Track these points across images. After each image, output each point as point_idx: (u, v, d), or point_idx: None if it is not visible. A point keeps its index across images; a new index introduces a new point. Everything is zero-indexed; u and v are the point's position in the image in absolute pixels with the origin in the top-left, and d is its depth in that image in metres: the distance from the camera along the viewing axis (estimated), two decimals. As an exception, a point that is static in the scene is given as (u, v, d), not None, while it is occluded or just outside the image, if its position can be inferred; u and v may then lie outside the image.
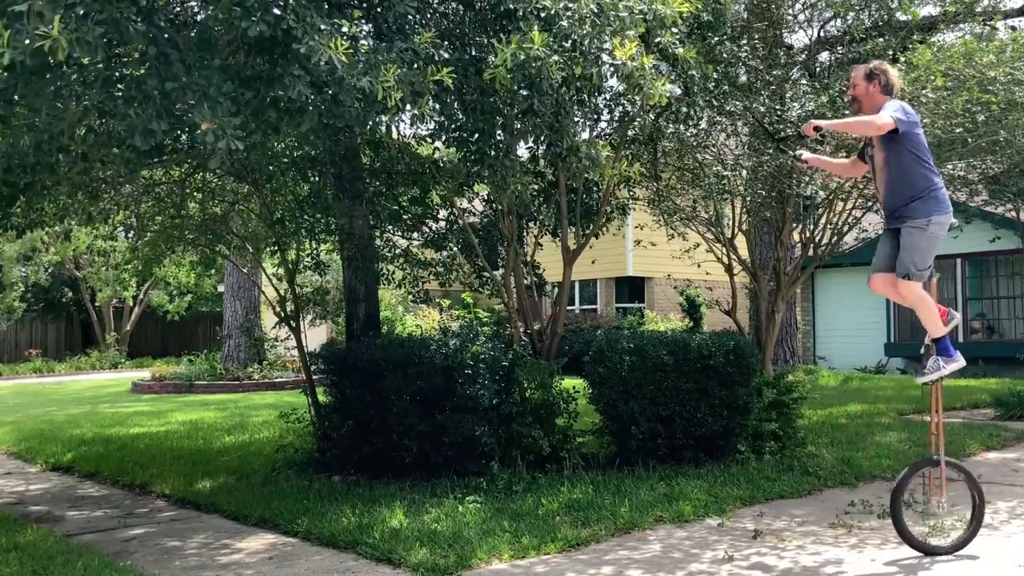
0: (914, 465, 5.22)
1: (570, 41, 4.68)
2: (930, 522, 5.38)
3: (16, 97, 4.24)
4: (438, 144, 7.22)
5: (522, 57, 4.40)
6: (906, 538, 4.98)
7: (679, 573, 4.77)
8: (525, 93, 5.10)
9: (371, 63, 4.18)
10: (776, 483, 6.72)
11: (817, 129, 4.62)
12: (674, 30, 5.24)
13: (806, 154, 5.19)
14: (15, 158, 4.55)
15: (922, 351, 5.10)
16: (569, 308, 21.99)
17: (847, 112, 7.55)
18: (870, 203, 8.81)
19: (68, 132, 4.38)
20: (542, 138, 5.54)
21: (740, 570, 4.83)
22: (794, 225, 9.61)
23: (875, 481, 6.99)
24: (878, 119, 4.59)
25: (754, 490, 6.50)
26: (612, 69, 4.83)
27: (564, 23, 4.63)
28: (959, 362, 4.91)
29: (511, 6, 4.79)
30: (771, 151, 7.96)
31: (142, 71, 4.09)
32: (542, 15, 4.67)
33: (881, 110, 4.68)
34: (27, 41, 3.40)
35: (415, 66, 4.45)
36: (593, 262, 13.49)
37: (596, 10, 4.69)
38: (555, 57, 4.52)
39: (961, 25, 9.16)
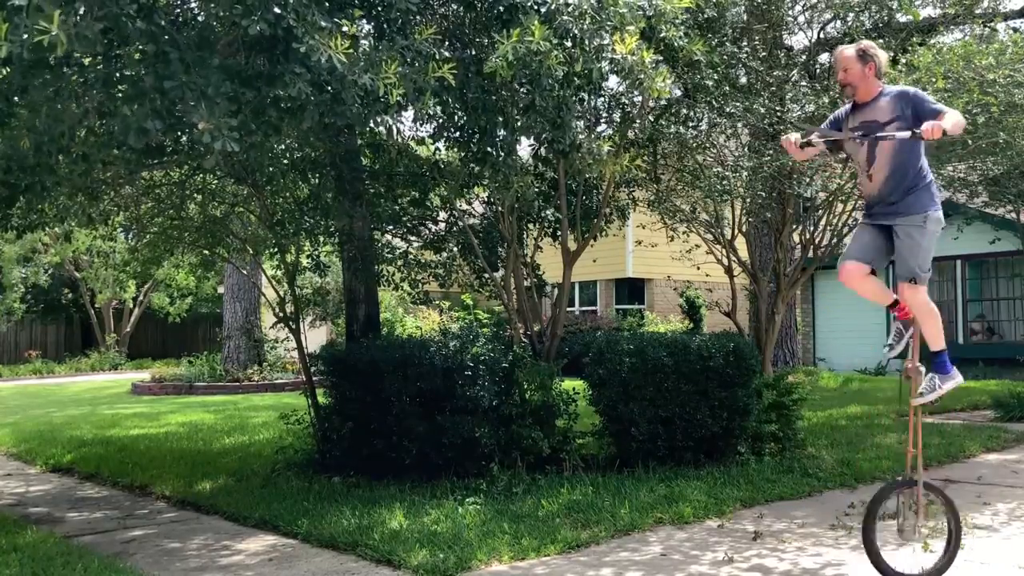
0: (888, 485, 4.69)
1: (570, 37, 4.67)
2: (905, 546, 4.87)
3: (16, 98, 4.24)
4: (439, 145, 7.21)
5: (523, 50, 4.38)
6: (877, 564, 4.47)
7: (679, 575, 4.77)
8: (527, 89, 5.08)
9: (372, 61, 4.18)
10: (776, 484, 6.71)
11: (944, 133, 4.13)
12: (677, 23, 5.23)
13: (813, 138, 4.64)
14: (15, 159, 4.55)
15: (889, 344, 4.73)
16: (569, 309, 21.99)
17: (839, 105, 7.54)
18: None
19: (68, 133, 4.38)
20: (544, 135, 5.50)
21: (740, 572, 4.82)
22: (794, 226, 9.61)
23: (875, 483, 6.97)
24: (961, 117, 4.25)
25: (754, 491, 6.50)
26: (612, 64, 4.81)
27: (565, 18, 4.62)
28: (957, 379, 4.56)
29: (512, 1, 4.78)
30: (771, 152, 7.97)
31: (140, 71, 4.08)
32: (542, 10, 4.67)
33: (925, 100, 4.32)
34: (25, 36, 3.39)
35: (416, 64, 4.45)
36: (594, 261, 13.48)
37: (596, 5, 4.68)
38: (556, 52, 4.50)
39: (961, 27, 9.17)
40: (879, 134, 4.43)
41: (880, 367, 18.09)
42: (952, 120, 4.20)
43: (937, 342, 4.55)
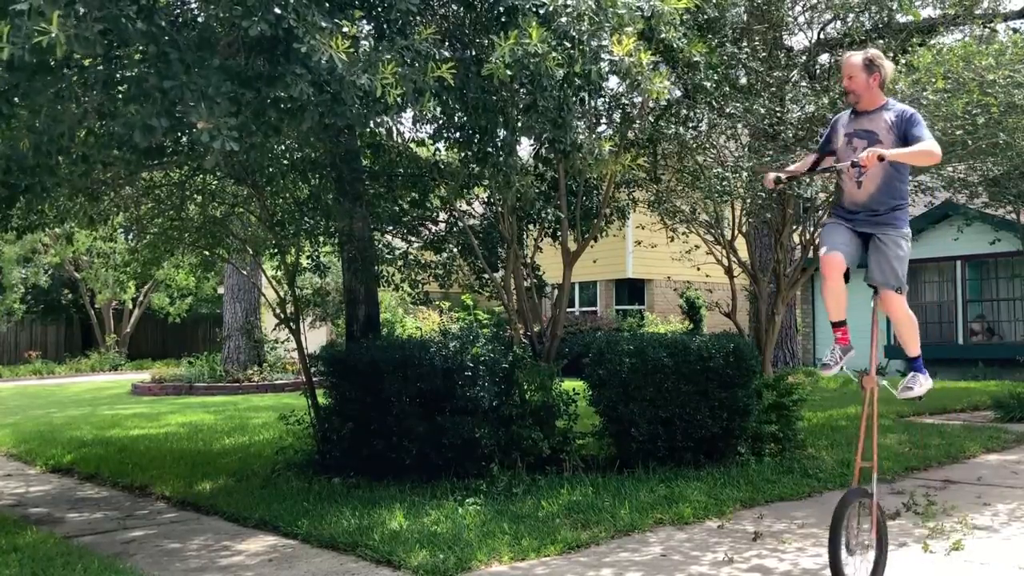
0: (845, 500, 4.37)
1: (569, 39, 4.68)
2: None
3: (17, 99, 4.25)
4: (439, 146, 7.21)
5: (520, 52, 4.38)
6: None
7: (679, 575, 4.77)
8: (527, 89, 5.08)
9: (370, 61, 4.18)
10: (776, 485, 6.72)
11: (880, 159, 4.23)
12: (676, 24, 5.22)
13: (771, 175, 4.79)
14: (15, 160, 4.56)
15: (825, 364, 4.69)
16: (569, 310, 22.00)
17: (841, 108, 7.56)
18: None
19: (68, 134, 4.38)
20: (545, 135, 5.49)
21: (740, 572, 4.83)
22: (794, 227, 9.61)
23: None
24: (937, 148, 4.35)
25: (754, 492, 6.50)
26: (610, 66, 4.81)
27: (563, 20, 4.62)
28: (930, 382, 4.74)
29: (511, 3, 4.79)
30: (771, 152, 7.97)
31: (144, 69, 4.09)
32: (540, 12, 4.67)
33: (915, 125, 4.40)
34: (26, 38, 3.40)
35: (416, 64, 4.45)
36: (595, 261, 13.49)
37: (595, 7, 4.68)
38: (553, 53, 4.50)
39: (961, 27, 9.17)
40: (823, 167, 4.79)
41: (880, 368, 18.10)
42: (907, 150, 4.32)
43: (914, 348, 4.69)
